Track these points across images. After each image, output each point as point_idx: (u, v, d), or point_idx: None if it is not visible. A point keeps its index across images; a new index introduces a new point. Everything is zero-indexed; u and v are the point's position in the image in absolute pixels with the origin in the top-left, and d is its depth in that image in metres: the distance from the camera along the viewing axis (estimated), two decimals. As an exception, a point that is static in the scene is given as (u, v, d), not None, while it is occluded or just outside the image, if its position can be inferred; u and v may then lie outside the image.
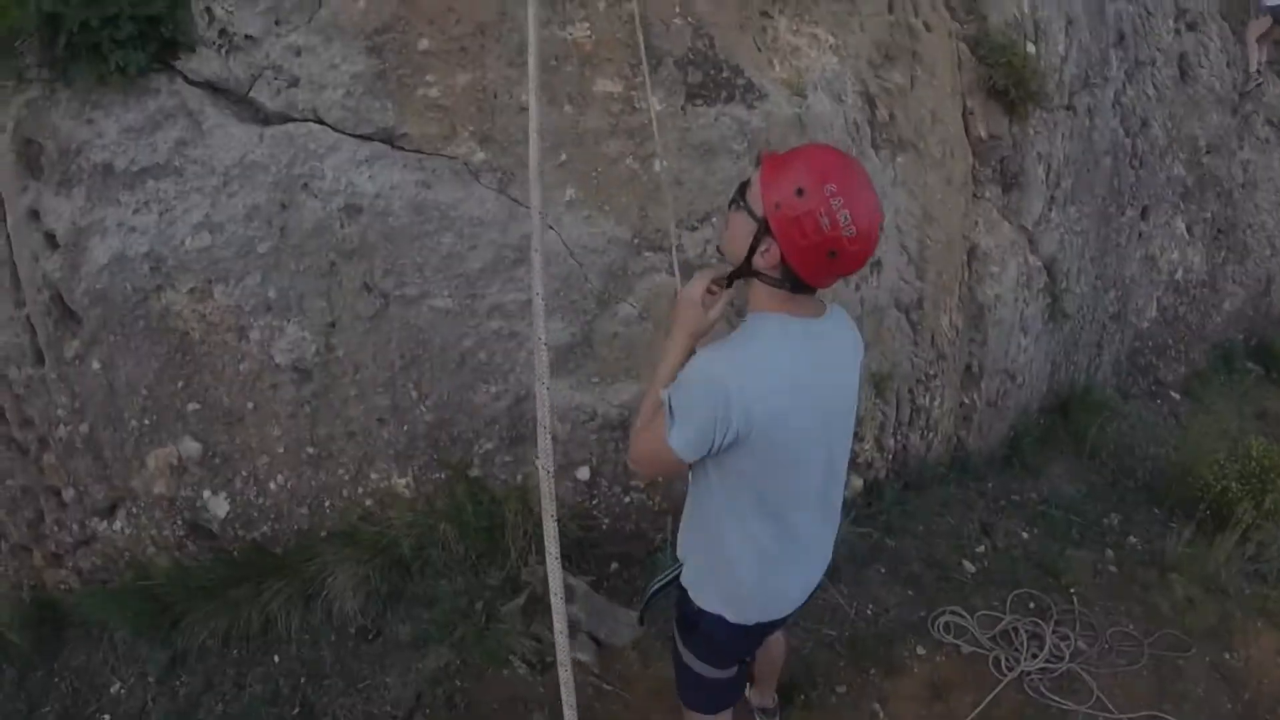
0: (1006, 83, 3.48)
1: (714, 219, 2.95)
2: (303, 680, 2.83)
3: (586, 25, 2.80)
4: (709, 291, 1.59)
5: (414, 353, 2.98)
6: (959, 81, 3.46)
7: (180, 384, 2.97)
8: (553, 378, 2.94)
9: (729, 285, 1.61)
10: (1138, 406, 5.54)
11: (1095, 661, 3.19)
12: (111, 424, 3.01)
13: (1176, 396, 5.92)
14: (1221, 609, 3.58)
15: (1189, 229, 6.29)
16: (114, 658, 2.89)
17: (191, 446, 3.05)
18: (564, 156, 2.89)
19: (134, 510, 3.12)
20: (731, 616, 1.77)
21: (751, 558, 1.67)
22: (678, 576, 1.90)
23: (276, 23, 2.78)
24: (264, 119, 2.84)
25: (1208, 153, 6.19)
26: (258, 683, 2.80)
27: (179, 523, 3.11)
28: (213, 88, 2.83)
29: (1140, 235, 5.50)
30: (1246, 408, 5.89)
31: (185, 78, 2.82)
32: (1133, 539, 4.02)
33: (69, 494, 3.16)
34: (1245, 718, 3.08)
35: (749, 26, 2.87)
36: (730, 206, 1.53)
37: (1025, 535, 3.90)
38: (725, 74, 2.85)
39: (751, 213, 1.46)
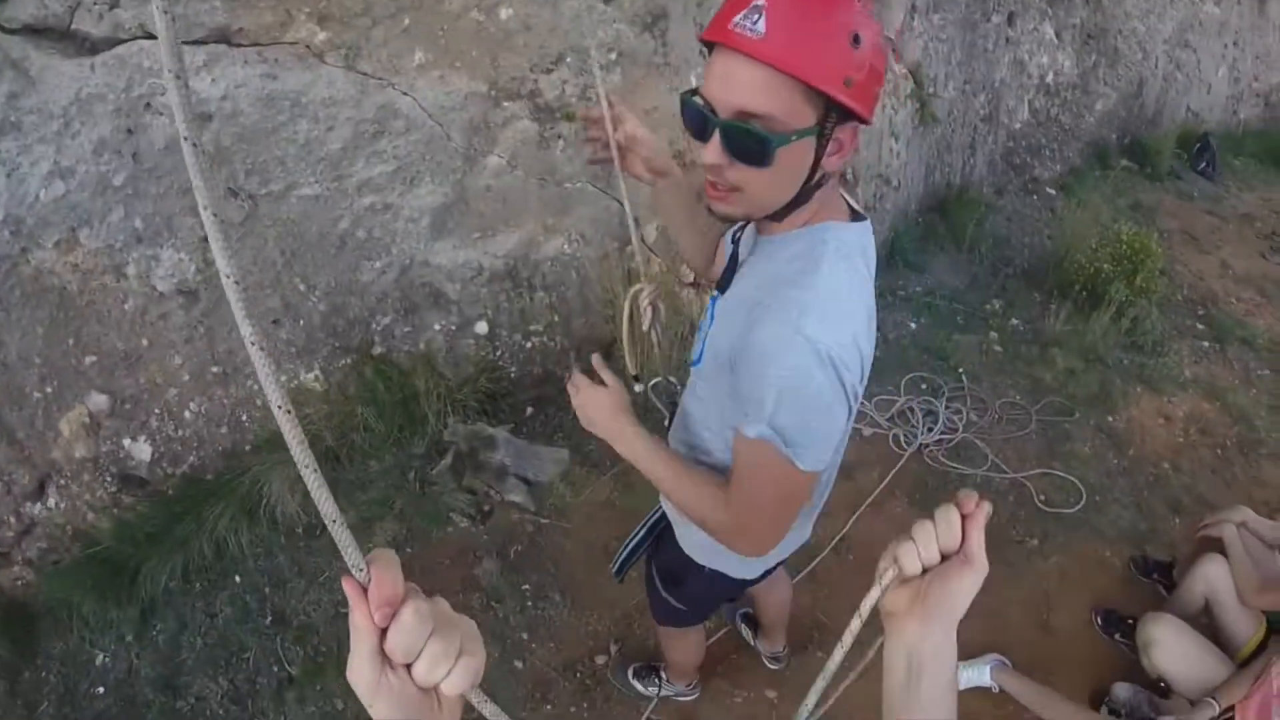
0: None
1: (568, 60, 2.89)
2: (268, 590, 2.90)
3: None
4: (584, 379, 1.30)
5: (293, 247, 2.94)
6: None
7: (71, 341, 2.89)
8: (434, 240, 2.99)
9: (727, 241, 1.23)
10: (1014, 202, 5.78)
11: (987, 431, 3.50)
12: (15, 403, 2.92)
13: (1052, 192, 6.17)
14: (1102, 377, 3.93)
15: (1058, 34, 6.41)
16: (88, 631, 2.87)
17: (99, 400, 2.98)
18: (407, 22, 2.79)
19: (62, 482, 3.07)
20: (735, 572, 1.49)
21: None
22: (651, 530, 1.65)
23: None
24: (92, 48, 2.69)
25: (1075, -41, 6.23)
26: (227, 606, 2.85)
27: (108, 479, 3.09)
28: (33, 30, 2.66)
29: (1008, 40, 5.60)
30: (1120, 200, 6.21)
31: (3, 28, 2.65)
32: (1014, 321, 4.34)
33: (-5, 487, 3.07)
34: (1130, 471, 3.42)
35: None
36: (761, 163, 0.98)
37: (913, 325, 4.16)
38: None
39: (804, 131, 0.97)
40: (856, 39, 0.93)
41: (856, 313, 1.05)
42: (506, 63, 2.88)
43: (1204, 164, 7.47)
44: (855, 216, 1.15)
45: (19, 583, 3.21)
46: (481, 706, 0.63)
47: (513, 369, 3.22)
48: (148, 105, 2.71)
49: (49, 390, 2.94)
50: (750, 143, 0.96)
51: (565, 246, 3.07)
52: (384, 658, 0.56)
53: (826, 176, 1.05)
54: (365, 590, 0.55)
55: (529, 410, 3.26)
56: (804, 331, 0.98)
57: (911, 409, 3.53)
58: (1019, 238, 5.22)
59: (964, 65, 4.99)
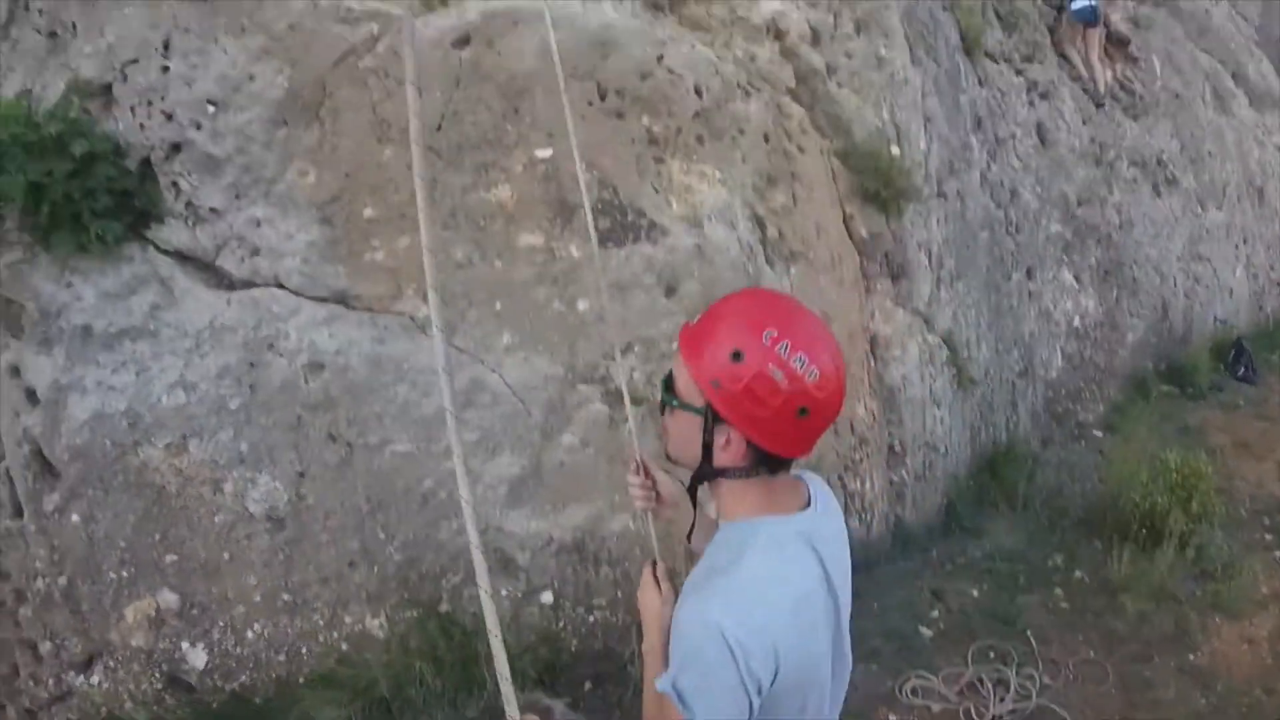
0: (877, 185, 3.91)
1: (636, 349, 3.21)
2: (293, 831, 2.74)
3: (507, 187, 3.15)
4: (654, 575, 1.38)
5: (380, 496, 3.13)
6: (836, 191, 3.89)
7: (158, 536, 3.05)
8: (508, 509, 3.16)
9: (692, 496, 1.34)
10: (1061, 451, 5.79)
11: (1063, 692, 3.34)
12: (90, 576, 3.05)
13: (1099, 434, 6.19)
14: (1176, 615, 3.78)
15: (1077, 278, 6.82)
16: (93, 821, 2.74)
17: (169, 598, 3.08)
18: (499, 306, 3.18)
19: (111, 664, 3.10)
20: None
21: None
22: None
23: (237, 196, 3.08)
24: (230, 285, 3.11)
25: (1080, 205, 6.80)
26: (245, 837, 2.69)
27: (157, 675, 3.11)
28: (182, 256, 3.09)
29: (1030, 294, 5.97)
30: (1167, 427, 6.18)
31: (156, 246, 3.08)
32: (1078, 573, 4.22)
33: (45, 648, 3.12)
34: (1221, 708, 3.22)
35: (646, 173, 3.25)
36: (661, 410, 1.25)
37: (975, 593, 4.05)
38: (630, 217, 3.21)
39: (689, 406, 1.18)
40: (737, 355, 1.12)
41: (778, 601, 1.13)
42: (583, 349, 3.20)
43: (1242, 369, 7.49)
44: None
45: (35, 747, 3.14)
46: None
47: (574, 642, 3.23)
48: (271, 346, 3.06)
49: (124, 575, 3.05)
50: (662, 394, 1.24)
51: (630, 524, 3.20)
52: None
53: (729, 470, 1.20)
54: None
55: (588, 685, 3.20)
56: (710, 615, 1.09)
57: (981, 679, 3.39)
58: (1070, 486, 5.17)
59: (993, 325, 5.31)
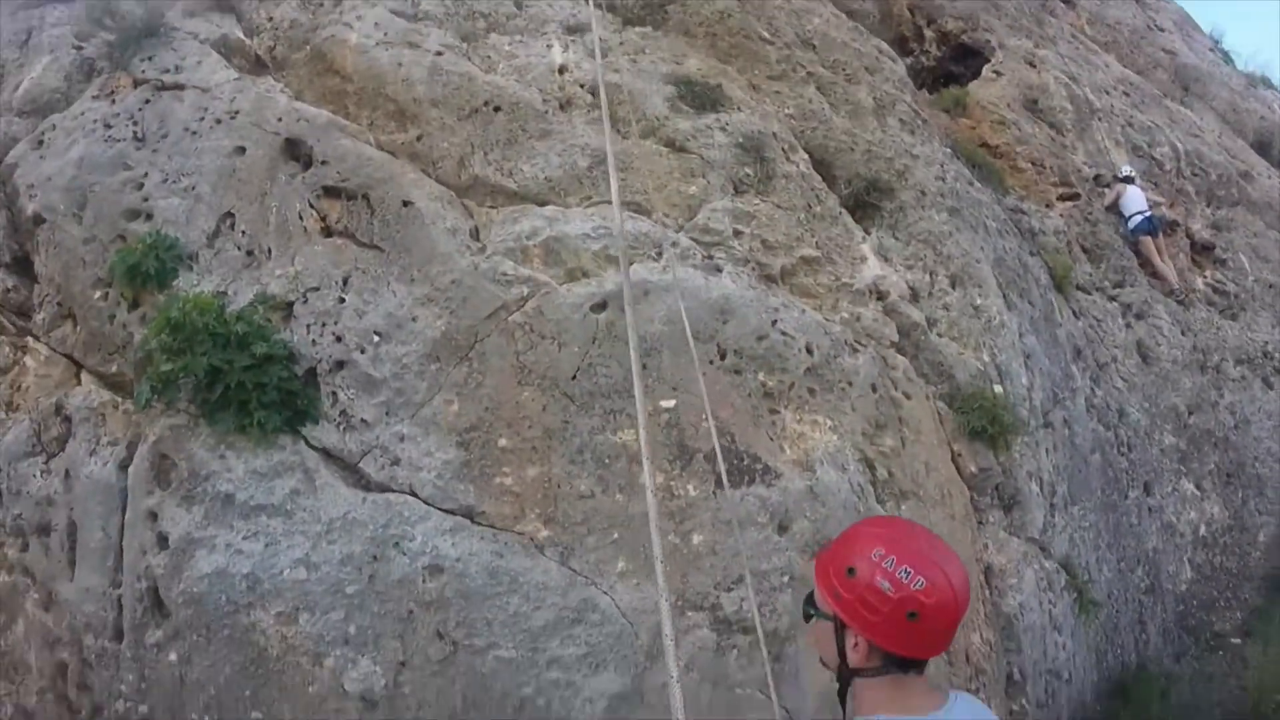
0: (983, 423, 3.93)
1: (747, 579, 3.25)
2: None
3: (632, 431, 3.36)
4: None
5: (476, 696, 3.16)
6: (943, 432, 3.93)
7: (248, 692, 3.14)
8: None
9: (842, 700, 1.45)
10: (1197, 664, 5.33)
11: None
12: (172, 711, 3.13)
13: (1237, 641, 5.70)
14: None
15: (1198, 486, 6.38)
16: None
17: None
18: (616, 535, 3.31)
19: None
20: None
21: None
22: None
23: (387, 414, 3.42)
24: (367, 485, 3.37)
25: (1191, 414, 6.48)
26: None
27: None
28: (328, 454, 3.40)
29: (1150, 509, 5.62)
30: (1312, 622, 5.58)
31: (307, 442, 3.41)
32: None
33: (110, 765, 3.16)
34: None
35: (762, 422, 3.42)
36: (806, 621, 1.43)
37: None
38: (746, 462, 3.35)
39: (823, 615, 1.37)
40: (851, 570, 1.31)
41: None
42: (694, 579, 3.25)
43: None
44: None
45: None
46: None
47: None
48: (396, 544, 3.23)
49: (206, 718, 3.11)
50: (804, 607, 1.43)
51: (728, 747, 3.08)
52: None
53: (862, 670, 1.33)
54: None
55: None
56: None
57: None
58: (1208, 696, 4.74)
59: (1114, 545, 5.00)
